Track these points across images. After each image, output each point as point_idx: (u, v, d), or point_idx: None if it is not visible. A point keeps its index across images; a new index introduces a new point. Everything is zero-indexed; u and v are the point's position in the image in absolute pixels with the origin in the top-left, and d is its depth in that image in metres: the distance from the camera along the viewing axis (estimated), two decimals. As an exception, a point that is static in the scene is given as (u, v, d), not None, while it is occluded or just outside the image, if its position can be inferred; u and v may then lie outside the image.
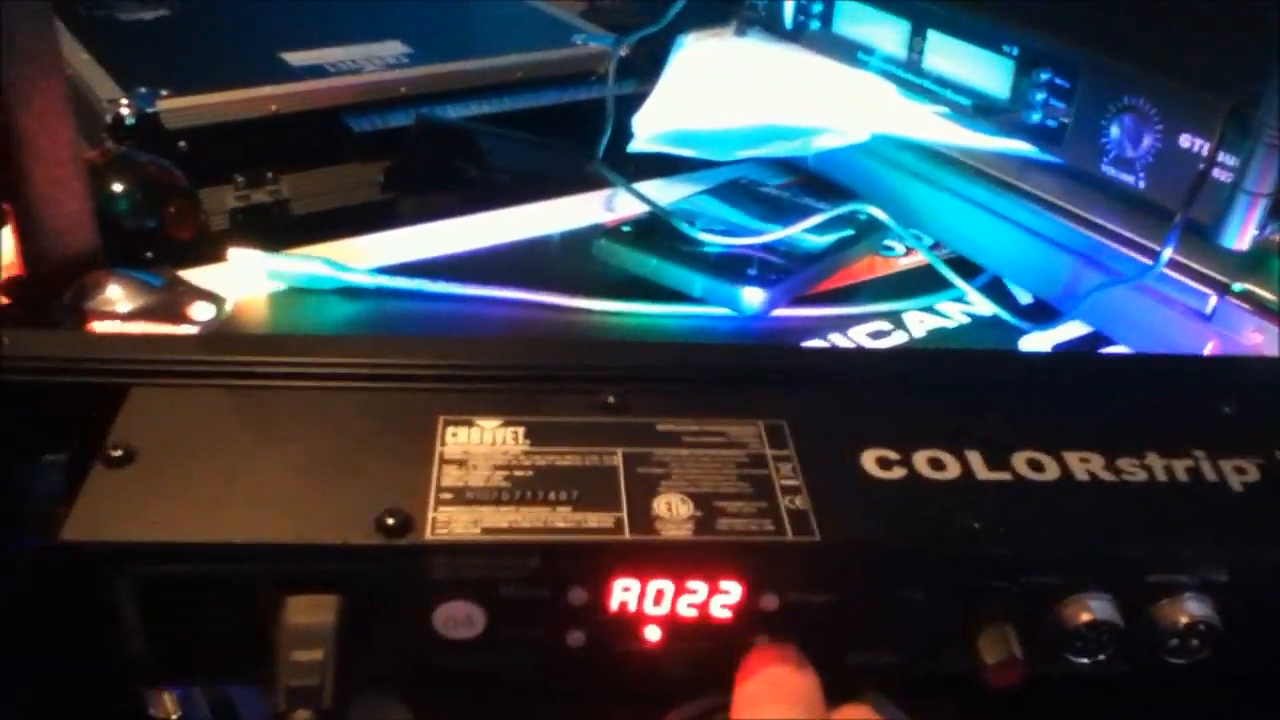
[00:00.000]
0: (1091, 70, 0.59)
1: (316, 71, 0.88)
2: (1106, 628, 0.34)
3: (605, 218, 0.71)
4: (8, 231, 0.56)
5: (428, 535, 0.32)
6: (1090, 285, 0.58)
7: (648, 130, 0.70)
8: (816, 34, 0.75)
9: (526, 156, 0.86)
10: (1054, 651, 0.34)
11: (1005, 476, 0.36)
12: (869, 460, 0.36)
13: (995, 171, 0.64)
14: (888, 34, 0.70)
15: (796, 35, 0.77)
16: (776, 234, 0.62)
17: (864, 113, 0.69)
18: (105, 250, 0.59)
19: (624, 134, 0.72)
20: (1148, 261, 0.55)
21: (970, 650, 0.34)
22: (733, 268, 0.59)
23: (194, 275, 0.59)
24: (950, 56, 0.66)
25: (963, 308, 0.63)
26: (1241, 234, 0.53)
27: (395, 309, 0.59)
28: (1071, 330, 0.60)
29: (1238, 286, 0.53)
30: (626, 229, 0.63)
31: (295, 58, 0.90)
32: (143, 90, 0.80)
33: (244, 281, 0.60)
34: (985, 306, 0.62)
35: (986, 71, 0.64)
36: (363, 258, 0.62)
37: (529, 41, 0.95)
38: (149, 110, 0.79)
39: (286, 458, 0.34)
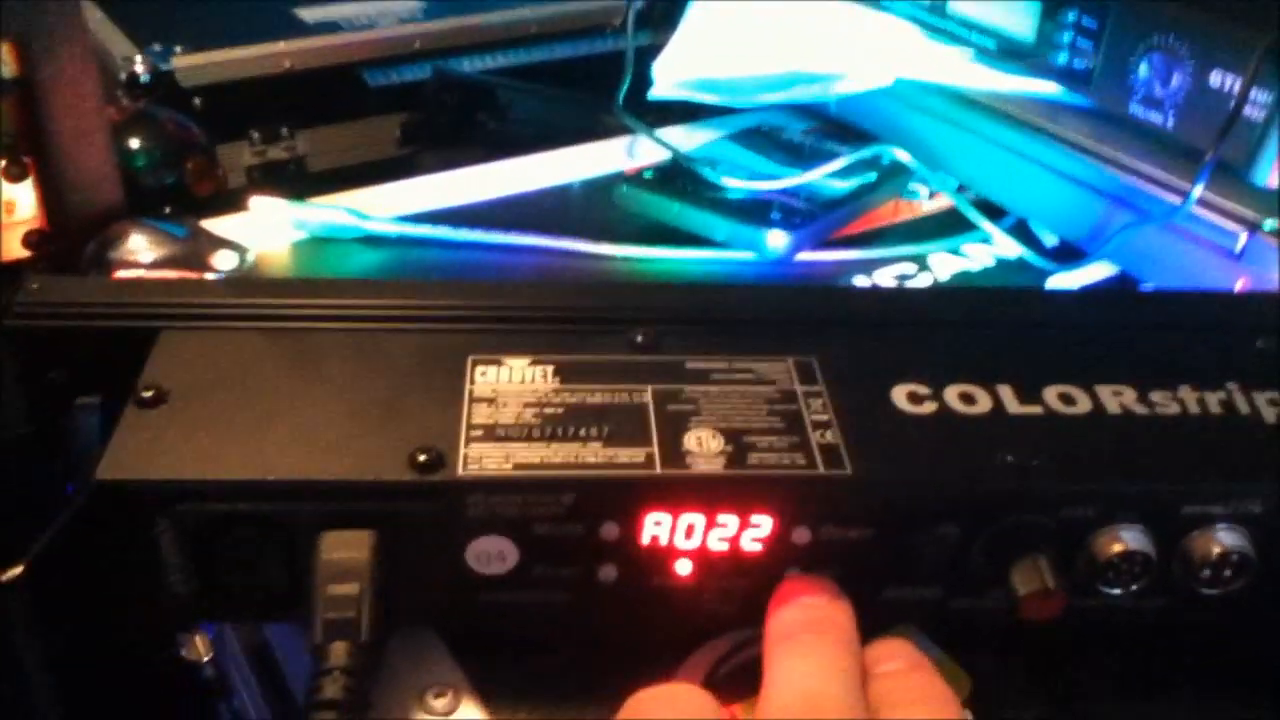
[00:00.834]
0: (1120, 9, 0.58)
1: (330, 27, 0.87)
2: (1140, 558, 0.34)
3: (626, 164, 0.70)
4: (29, 185, 0.57)
5: (459, 471, 0.32)
6: (1117, 226, 0.58)
7: (668, 77, 0.70)
8: (839, -23, 0.74)
9: (545, 108, 0.86)
10: (1088, 584, 0.34)
11: (1037, 410, 0.36)
12: (900, 395, 0.36)
13: (1021, 114, 0.63)
14: (911, -24, 0.69)
15: (818, -21, 0.76)
16: (800, 178, 0.62)
17: (887, 57, 0.68)
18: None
19: (643, 85, 0.71)
20: (1176, 201, 0.55)
21: (1004, 583, 0.34)
22: (756, 212, 0.59)
23: (216, 225, 0.59)
24: (975, -2, 0.66)
25: (988, 250, 0.62)
26: (1274, 170, 0.52)
27: (419, 257, 0.59)
28: (1098, 271, 0.60)
29: (1268, 224, 0.52)
30: (648, 175, 0.63)
31: (309, 14, 0.89)
32: (157, 47, 0.80)
33: (266, 231, 0.60)
34: (1011, 248, 0.61)
35: (1012, 12, 0.63)
36: (384, 207, 0.62)
37: (543, -8, 0.94)
38: (163, 68, 0.79)
39: (317, 398, 0.35)
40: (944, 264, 0.61)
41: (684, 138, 0.71)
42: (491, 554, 0.33)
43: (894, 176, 0.65)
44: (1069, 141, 0.61)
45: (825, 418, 0.35)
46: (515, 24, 0.91)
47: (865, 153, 0.65)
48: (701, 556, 0.34)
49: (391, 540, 0.32)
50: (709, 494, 0.33)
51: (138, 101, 0.78)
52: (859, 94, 0.68)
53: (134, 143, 0.69)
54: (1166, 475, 0.34)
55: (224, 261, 0.54)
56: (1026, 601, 0.33)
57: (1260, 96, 0.52)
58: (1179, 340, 0.40)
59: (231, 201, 0.65)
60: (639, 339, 0.38)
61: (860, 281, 0.59)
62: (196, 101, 0.80)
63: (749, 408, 0.35)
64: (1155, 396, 0.37)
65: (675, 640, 0.36)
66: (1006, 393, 0.37)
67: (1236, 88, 0.53)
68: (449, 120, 0.86)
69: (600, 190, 0.67)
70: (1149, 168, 0.57)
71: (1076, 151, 0.60)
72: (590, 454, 0.33)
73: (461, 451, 0.33)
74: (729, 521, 0.33)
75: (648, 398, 0.35)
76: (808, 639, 0.31)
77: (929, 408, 0.36)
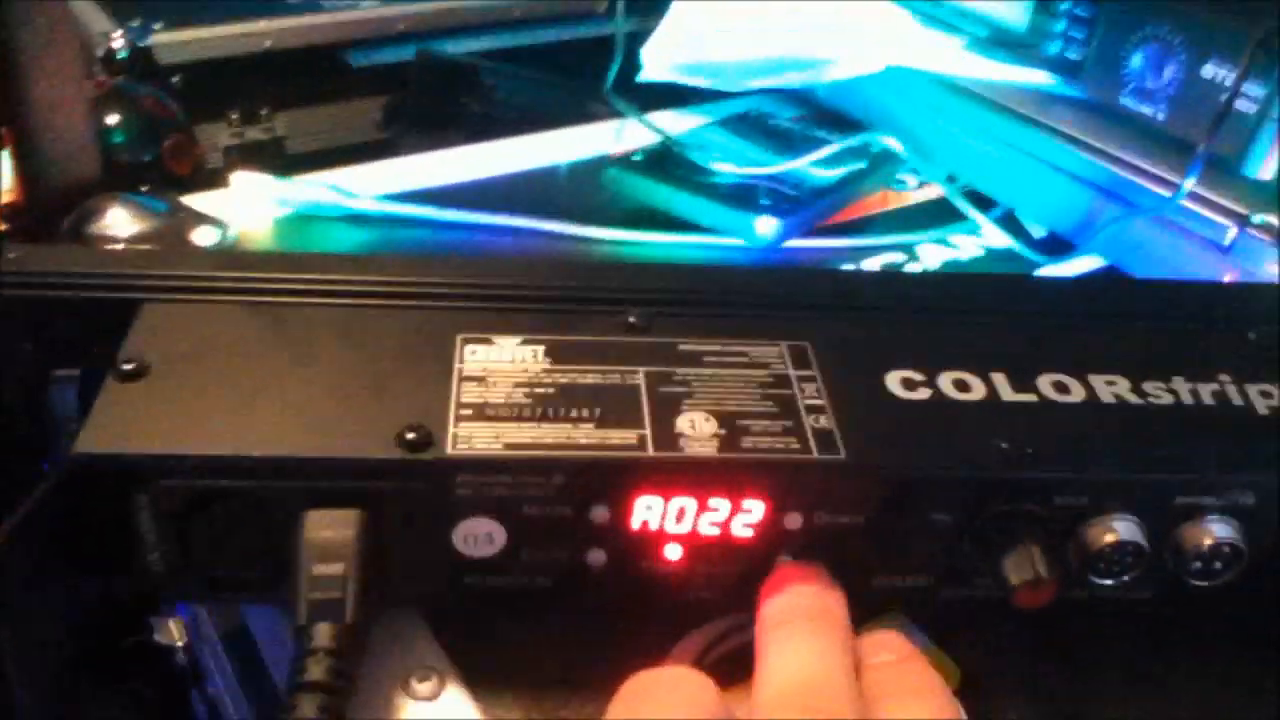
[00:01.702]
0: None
1: (313, 7, 0.86)
2: (1131, 548, 0.34)
3: (614, 148, 0.70)
4: (5, 156, 0.55)
5: (448, 450, 0.31)
6: (1107, 218, 0.58)
7: (657, 60, 0.69)
8: (830, -36, 0.73)
9: (532, 92, 0.85)
10: (1079, 573, 0.34)
11: (1031, 398, 0.36)
12: (894, 381, 0.36)
13: (1013, 104, 0.63)
14: (904, -37, 0.69)
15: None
16: (789, 165, 0.61)
17: (879, 43, 0.67)
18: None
19: (631, 71, 0.71)
20: (1166, 193, 0.55)
21: (996, 571, 0.33)
22: (745, 197, 0.59)
23: (197, 201, 0.58)
24: (967, -14, 0.65)
25: (976, 240, 0.62)
26: (1267, 162, 0.52)
27: (403, 237, 0.58)
28: (1086, 264, 0.60)
29: (1257, 218, 0.52)
30: (637, 158, 0.62)
31: (291, -7, 0.88)
32: (136, 24, 0.79)
33: (248, 207, 0.59)
34: (999, 239, 0.61)
35: (1005, 1, 0.63)
36: (368, 186, 0.61)
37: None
38: (142, 44, 0.78)
39: (304, 373, 0.34)
40: (932, 254, 0.61)
41: (672, 123, 0.70)
42: (479, 536, 0.32)
43: (884, 165, 0.65)
44: (1060, 132, 0.61)
45: (819, 402, 0.35)
46: (501, 6, 0.90)
47: (855, 140, 0.64)
48: (692, 541, 0.33)
49: (378, 520, 0.31)
50: (701, 477, 0.32)
51: (115, 78, 0.77)
52: (849, 81, 0.68)
53: (111, 118, 0.68)
54: (1159, 465, 0.34)
55: (204, 237, 0.53)
56: (1019, 590, 0.33)
57: (1252, 90, 0.52)
58: (1172, 331, 0.40)
59: (209, 181, 0.64)
60: (632, 320, 0.37)
61: (849, 270, 0.58)
62: (175, 80, 0.79)
63: (742, 391, 0.35)
64: (1148, 386, 0.37)
65: (664, 626, 0.35)
66: (1000, 380, 0.36)
67: (1229, 80, 0.53)
68: (432, 103, 0.85)
69: (588, 173, 0.66)
70: (1140, 160, 0.57)
71: (1067, 142, 0.60)
72: (582, 435, 0.32)
73: (450, 430, 0.32)
74: (721, 506, 0.33)
75: (640, 379, 0.35)
76: (802, 627, 0.30)
77: (923, 394, 0.35)
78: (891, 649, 0.31)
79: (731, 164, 0.61)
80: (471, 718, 0.33)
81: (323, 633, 0.29)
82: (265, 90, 0.84)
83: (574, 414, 0.33)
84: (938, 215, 0.64)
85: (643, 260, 0.58)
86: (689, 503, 0.33)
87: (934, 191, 0.66)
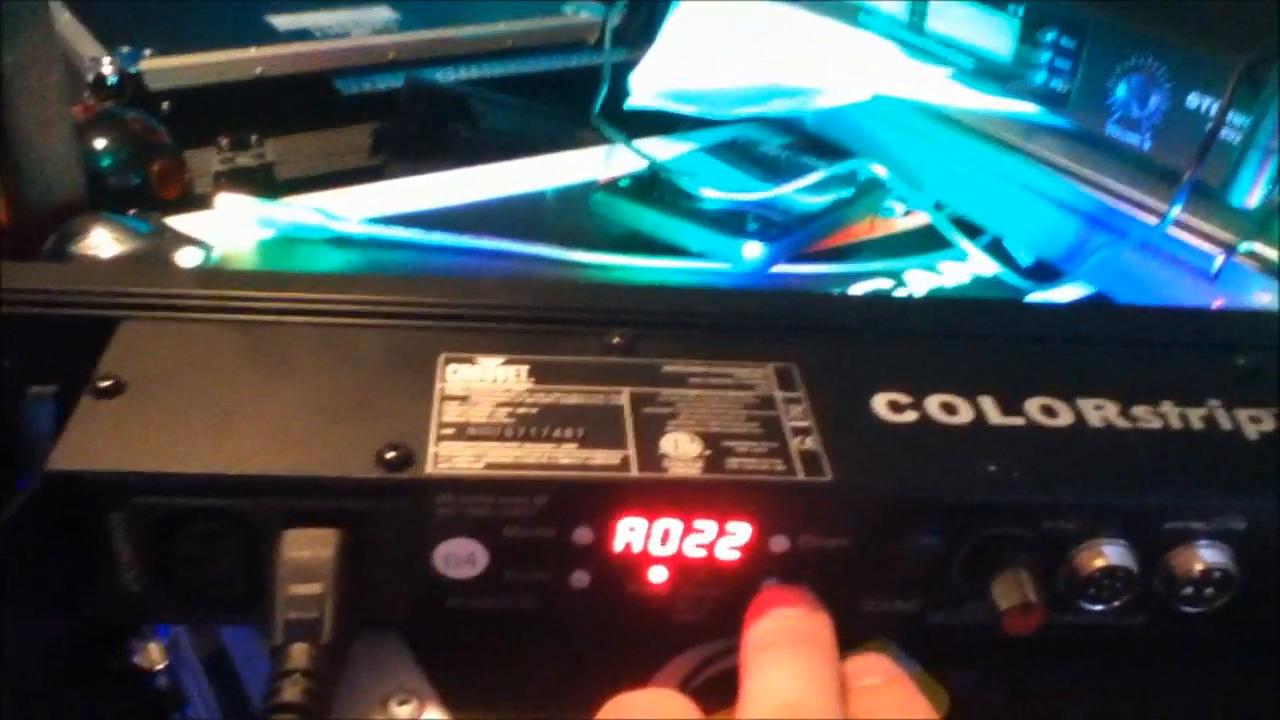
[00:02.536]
0: (1098, 30, 0.58)
1: (303, 35, 0.86)
2: (1122, 574, 0.33)
3: (601, 173, 0.69)
4: (-12, 176, 0.55)
5: (429, 469, 0.31)
6: (1094, 246, 0.58)
7: (645, 86, 0.69)
8: (817, -6, 0.74)
9: (520, 118, 0.85)
10: (1069, 598, 0.34)
11: (1019, 422, 0.36)
12: (880, 404, 0.36)
13: (998, 132, 0.63)
14: (890, -7, 0.69)
15: (797, -5, 0.75)
16: (776, 191, 0.61)
17: (865, 73, 0.68)
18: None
19: (619, 100, 0.71)
20: (1153, 221, 0.55)
21: (985, 596, 0.33)
22: (732, 223, 0.58)
23: (181, 222, 0.57)
24: (953, 17, 0.65)
25: (964, 267, 0.62)
26: (1252, 191, 0.52)
27: (388, 260, 0.58)
28: (1074, 291, 0.60)
29: (1244, 246, 0.52)
30: (624, 183, 0.62)
31: (281, 21, 0.88)
32: (125, 49, 0.79)
33: (232, 229, 0.58)
34: (987, 266, 0.61)
35: (990, 32, 0.63)
36: (354, 209, 0.61)
37: (519, 8, 0.93)
38: (132, 70, 0.78)
39: (283, 392, 0.33)
40: (919, 280, 0.61)
41: (660, 149, 0.70)
42: (460, 556, 0.32)
43: (870, 192, 0.65)
44: (1046, 161, 0.61)
45: (805, 424, 0.34)
46: (490, 37, 0.91)
47: (842, 168, 0.64)
48: (677, 563, 0.33)
49: (357, 540, 0.31)
50: (686, 498, 0.32)
51: (104, 103, 0.77)
52: (836, 109, 0.68)
53: (99, 142, 0.68)
54: (1149, 490, 0.34)
55: (188, 258, 0.53)
56: (1008, 615, 0.32)
57: (1237, 119, 0.52)
58: (1161, 355, 0.40)
59: (198, 205, 0.64)
60: (615, 341, 0.37)
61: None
62: (165, 105, 0.79)
63: (727, 412, 0.34)
64: (1137, 411, 0.37)
65: (648, 650, 0.35)
66: (988, 403, 0.36)
67: (1214, 109, 0.53)
68: (421, 129, 0.85)
69: (575, 198, 0.66)
70: (1126, 188, 0.57)
71: (1053, 171, 0.60)
72: (565, 455, 0.32)
73: (431, 450, 0.32)
74: (706, 527, 0.32)
75: (624, 400, 0.34)
76: (786, 650, 0.30)
77: (910, 416, 0.35)
78: (877, 672, 0.30)
79: (719, 190, 0.61)
80: (451, 743, 0.32)
81: (299, 653, 0.29)
82: (255, 116, 0.84)
83: (557, 434, 0.33)
84: (925, 242, 0.64)
85: (629, 284, 0.58)
86: (673, 524, 0.32)
87: (921, 219, 0.66)
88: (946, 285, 0.60)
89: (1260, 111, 0.51)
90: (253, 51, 0.83)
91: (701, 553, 0.33)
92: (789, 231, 0.59)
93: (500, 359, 0.36)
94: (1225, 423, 0.37)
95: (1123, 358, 0.40)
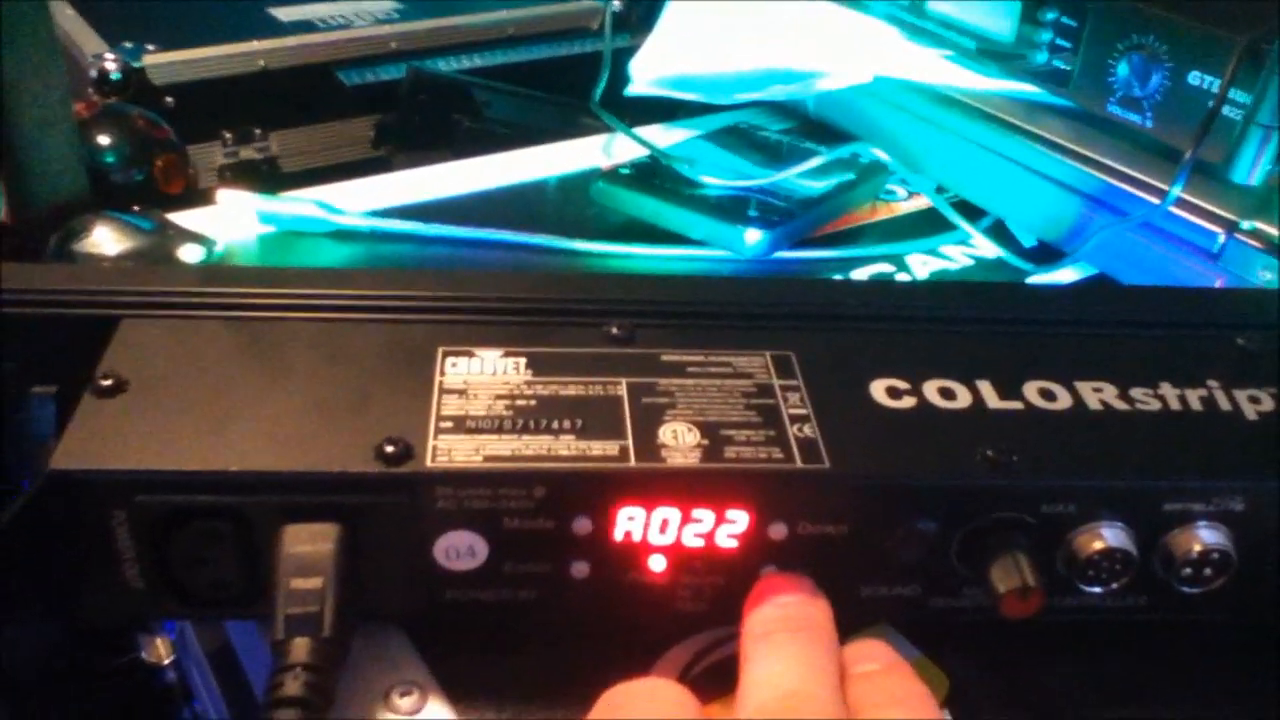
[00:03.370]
0: (1099, 9, 0.58)
1: (305, 27, 0.86)
2: (1120, 556, 0.33)
3: (602, 162, 0.69)
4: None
5: (428, 463, 0.31)
6: (1096, 226, 0.57)
7: (645, 73, 0.69)
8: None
9: (522, 108, 0.85)
10: (1068, 582, 0.34)
11: (1017, 406, 0.36)
12: (878, 390, 0.36)
13: (1000, 113, 0.63)
14: (890, -24, 0.69)
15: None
16: (777, 177, 0.61)
17: (866, 56, 0.67)
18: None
19: (619, 87, 0.71)
20: (1154, 201, 0.55)
21: (983, 581, 0.33)
22: (733, 209, 0.58)
23: (183, 218, 0.58)
24: (954, -2, 0.65)
25: (966, 250, 0.62)
26: (1254, 168, 0.52)
27: (390, 252, 0.58)
28: (1076, 272, 0.59)
29: (1246, 224, 0.52)
30: (625, 171, 0.62)
31: (283, 13, 0.89)
32: (128, 45, 0.79)
33: (234, 225, 0.58)
34: (989, 249, 0.61)
35: (991, 12, 0.63)
36: (355, 201, 0.61)
37: (520, -4, 0.93)
38: (135, 65, 0.78)
39: (283, 388, 0.34)
40: (922, 264, 0.60)
41: (660, 136, 0.70)
42: (460, 549, 0.32)
43: (872, 176, 0.64)
44: (1048, 141, 0.61)
45: (803, 412, 0.34)
46: (492, 25, 0.91)
47: (843, 152, 0.64)
48: (676, 553, 0.33)
49: (357, 534, 0.31)
50: (684, 488, 0.32)
51: (108, 99, 0.77)
52: (837, 93, 0.68)
53: (103, 139, 0.68)
54: (1147, 472, 0.34)
55: (191, 254, 0.53)
56: (1006, 599, 0.32)
57: (1238, 96, 0.52)
58: (1160, 337, 0.40)
59: (202, 200, 0.64)
60: (614, 331, 0.37)
61: (830, 279, 0.58)
62: (169, 100, 0.79)
63: (725, 401, 0.34)
64: (1136, 393, 0.37)
65: (648, 639, 0.35)
66: (986, 388, 0.36)
67: (1215, 88, 0.52)
68: (424, 120, 0.85)
69: (576, 187, 0.66)
70: (1128, 168, 0.57)
71: (1055, 152, 0.60)
72: (563, 447, 0.32)
73: (430, 443, 0.32)
74: (704, 516, 0.33)
75: (622, 390, 0.35)
76: (786, 638, 0.30)
77: (908, 402, 0.35)
78: (877, 658, 0.30)
79: (720, 176, 0.61)
80: (454, 733, 0.33)
81: (300, 647, 0.29)
82: (259, 110, 0.84)
83: (555, 426, 0.33)
84: (927, 226, 0.63)
85: (631, 272, 0.58)
86: (672, 514, 0.32)
87: (923, 202, 0.66)
88: (949, 268, 0.60)
89: (1261, 89, 0.50)
90: (255, 44, 0.83)
91: (700, 541, 0.33)
92: (791, 217, 0.59)
93: (498, 351, 0.36)
94: (1224, 404, 0.37)
95: (1121, 339, 0.40)
